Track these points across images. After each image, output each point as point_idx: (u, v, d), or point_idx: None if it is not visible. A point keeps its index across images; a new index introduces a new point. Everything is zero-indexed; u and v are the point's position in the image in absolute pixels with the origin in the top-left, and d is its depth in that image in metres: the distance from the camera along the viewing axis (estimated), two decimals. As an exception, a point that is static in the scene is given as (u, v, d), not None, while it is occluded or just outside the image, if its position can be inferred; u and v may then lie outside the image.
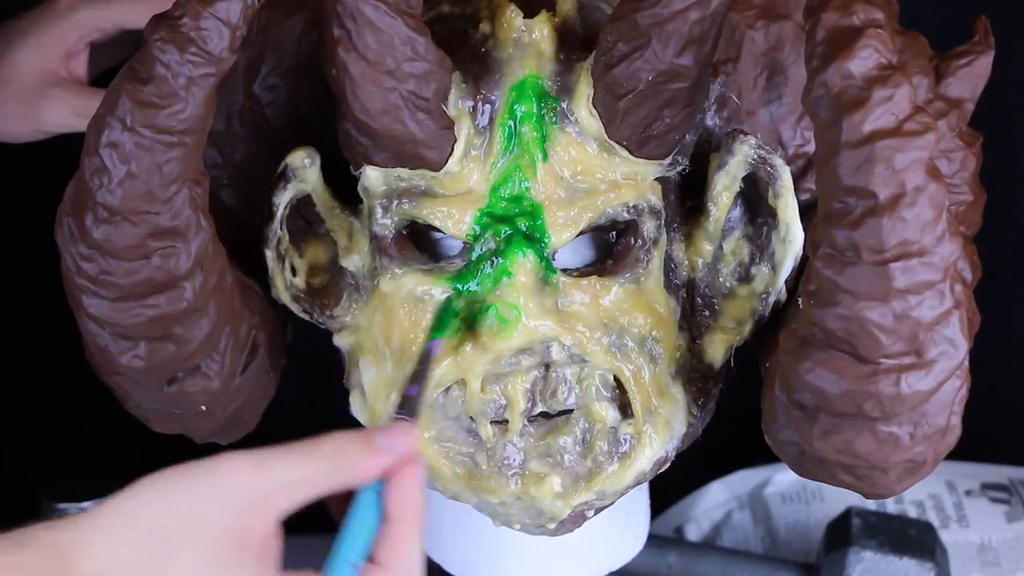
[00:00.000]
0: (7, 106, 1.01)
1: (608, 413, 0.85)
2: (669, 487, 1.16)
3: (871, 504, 1.21)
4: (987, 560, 1.18)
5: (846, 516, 1.11)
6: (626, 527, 0.97)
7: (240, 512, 0.69)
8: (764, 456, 1.21)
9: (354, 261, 0.87)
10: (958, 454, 1.00)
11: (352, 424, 0.90)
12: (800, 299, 0.79)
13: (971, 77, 0.92)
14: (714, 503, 1.27)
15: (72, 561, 0.67)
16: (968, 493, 1.24)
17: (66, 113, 1.00)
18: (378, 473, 0.71)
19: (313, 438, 0.70)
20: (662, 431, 0.86)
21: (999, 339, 1.21)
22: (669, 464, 0.88)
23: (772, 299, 0.87)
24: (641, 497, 0.98)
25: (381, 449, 0.71)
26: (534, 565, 0.94)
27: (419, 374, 0.78)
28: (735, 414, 0.93)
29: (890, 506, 1.22)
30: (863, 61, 0.73)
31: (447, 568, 0.97)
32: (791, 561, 1.14)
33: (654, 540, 1.08)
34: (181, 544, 0.68)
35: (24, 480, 1.16)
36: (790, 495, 1.26)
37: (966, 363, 0.77)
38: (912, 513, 1.22)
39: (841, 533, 1.10)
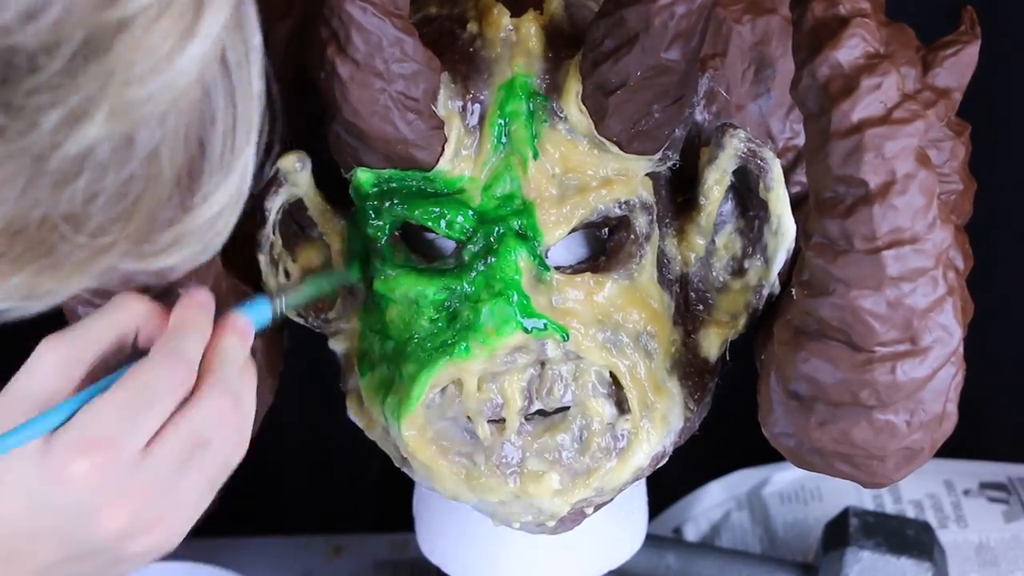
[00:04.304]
0: None
1: (605, 409, 0.86)
2: (668, 487, 1.18)
3: (869, 504, 1.23)
4: (985, 560, 1.19)
5: (844, 516, 1.12)
6: (624, 526, 0.99)
7: (46, 382, 0.74)
8: (762, 456, 1.23)
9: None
10: (956, 453, 1.02)
11: (351, 428, 0.92)
12: (794, 290, 0.81)
13: (958, 66, 0.94)
14: (712, 503, 1.28)
15: None
16: (966, 493, 1.25)
17: None
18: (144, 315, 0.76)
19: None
20: (659, 426, 0.87)
21: (998, 338, 1.23)
22: (667, 459, 0.90)
23: (766, 292, 0.89)
24: (639, 496, 1.00)
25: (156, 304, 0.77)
26: (532, 565, 0.96)
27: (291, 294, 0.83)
28: (733, 414, 0.94)
29: (888, 506, 1.24)
30: (851, 50, 0.75)
31: (445, 569, 0.99)
32: (789, 561, 1.15)
33: (652, 540, 1.10)
34: None
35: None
36: (788, 495, 1.27)
37: (961, 350, 0.79)
38: (910, 513, 1.23)
39: (839, 533, 1.11)
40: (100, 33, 0.57)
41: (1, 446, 0.71)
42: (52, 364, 0.75)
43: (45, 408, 0.73)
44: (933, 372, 0.78)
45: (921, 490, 1.25)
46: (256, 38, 0.65)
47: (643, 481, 0.97)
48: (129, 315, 0.77)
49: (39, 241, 0.62)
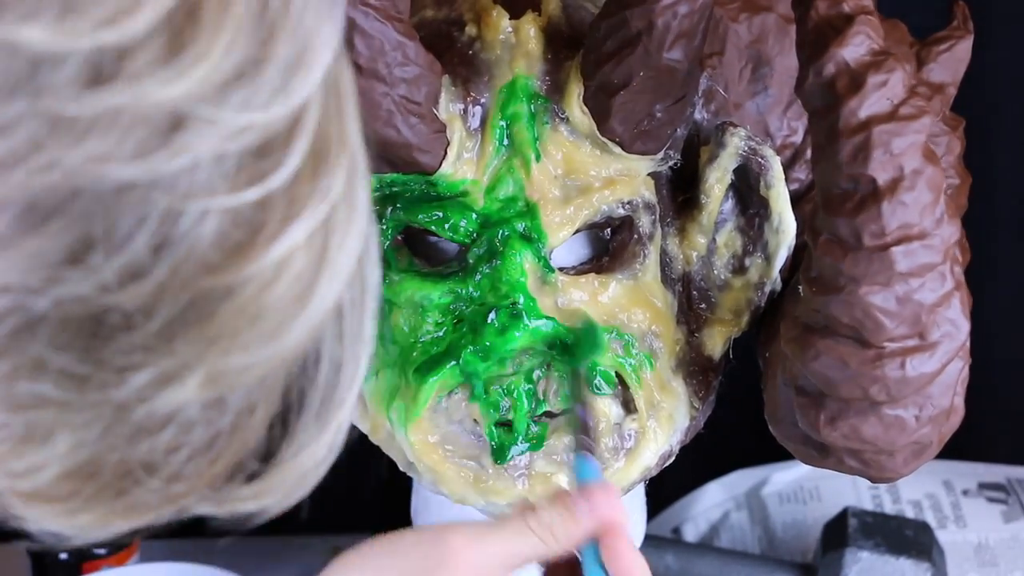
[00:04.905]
0: None
1: (611, 410, 0.87)
2: (666, 487, 1.18)
3: (868, 504, 1.23)
4: (984, 560, 1.19)
5: (843, 516, 1.12)
6: (624, 528, 1.00)
7: None
8: (762, 456, 1.24)
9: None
10: (956, 454, 1.02)
11: (351, 430, 0.91)
12: (801, 287, 0.81)
13: (952, 62, 0.95)
14: (711, 503, 1.28)
15: None
16: (965, 493, 1.25)
17: None
18: (583, 540, 0.74)
19: (521, 510, 0.73)
20: (665, 425, 0.88)
21: (997, 338, 1.24)
22: (673, 458, 0.90)
23: (768, 289, 0.89)
24: (637, 496, 1.00)
25: (583, 517, 0.73)
26: (532, 565, 0.96)
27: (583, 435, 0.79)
28: (732, 414, 0.95)
29: (887, 506, 1.24)
30: (856, 48, 0.75)
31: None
32: (788, 561, 1.16)
33: (651, 540, 1.10)
34: None
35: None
36: (787, 495, 1.27)
37: (968, 344, 0.80)
38: (909, 513, 1.23)
39: (838, 533, 1.11)
40: (205, 298, 0.51)
41: None
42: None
43: None
44: (942, 366, 0.78)
45: (920, 490, 1.25)
46: (375, 276, 0.58)
47: (641, 483, 0.97)
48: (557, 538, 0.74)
49: (113, 484, 0.57)
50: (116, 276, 0.50)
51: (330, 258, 0.53)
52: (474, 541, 0.72)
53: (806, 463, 0.85)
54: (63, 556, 1.09)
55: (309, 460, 0.59)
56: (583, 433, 0.77)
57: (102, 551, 1.09)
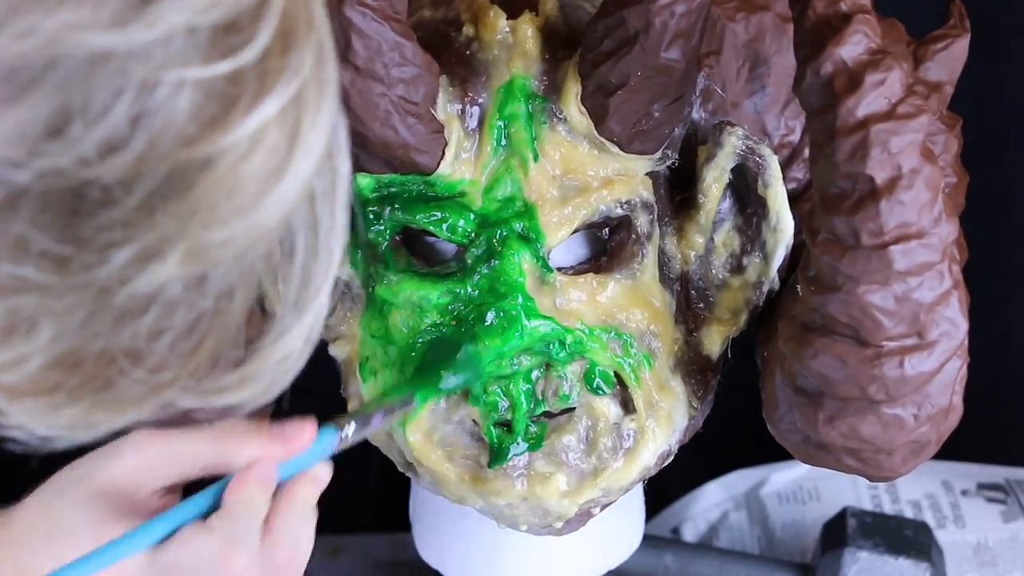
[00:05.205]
0: None
1: (610, 409, 0.87)
2: (666, 487, 1.18)
3: (867, 504, 1.23)
4: (983, 560, 1.20)
5: (842, 516, 1.12)
6: (622, 527, 1.00)
7: (127, 473, 0.74)
8: (761, 456, 1.24)
9: (346, 270, 0.90)
10: (955, 454, 1.02)
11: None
12: (799, 286, 0.81)
13: (949, 60, 0.95)
14: (711, 503, 1.28)
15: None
16: (964, 493, 1.26)
17: None
18: (250, 459, 0.75)
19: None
20: (664, 424, 0.88)
21: (996, 338, 1.24)
22: (672, 458, 0.90)
23: (766, 288, 0.90)
24: (637, 497, 1.01)
25: (263, 438, 0.75)
26: (531, 566, 0.97)
27: (383, 409, 0.81)
28: (731, 414, 0.95)
29: (886, 506, 1.24)
30: (854, 47, 0.75)
31: (444, 572, 1.00)
32: (787, 561, 1.16)
33: (651, 540, 1.11)
34: (69, 491, 0.74)
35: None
36: (786, 495, 1.27)
37: (966, 343, 0.80)
38: (908, 513, 1.24)
39: (837, 533, 1.12)
40: (183, 170, 0.53)
41: (111, 553, 0.72)
42: (144, 459, 0.74)
43: (132, 505, 0.74)
44: (940, 365, 0.79)
45: (919, 490, 1.26)
46: (345, 166, 0.61)
47: (640, 483, 0.97)
48: (232, 450, 0.75)
49: (97, 375, 0.59)
50: (95, 148, 0.52)
51: (302, 135, 0.56)
52: (150, 433, 0.75)
53: (805, 462, 0.85)
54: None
55: (288, 347, 0.61)
56: (360, 416, 0.78)
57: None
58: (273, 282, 0.60)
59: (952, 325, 0.78)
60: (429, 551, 1.00)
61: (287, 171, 0.56)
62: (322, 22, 0.58)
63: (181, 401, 0.62)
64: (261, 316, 0.61)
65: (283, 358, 0.62)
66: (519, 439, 0.86)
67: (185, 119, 0.53)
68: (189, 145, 0.53)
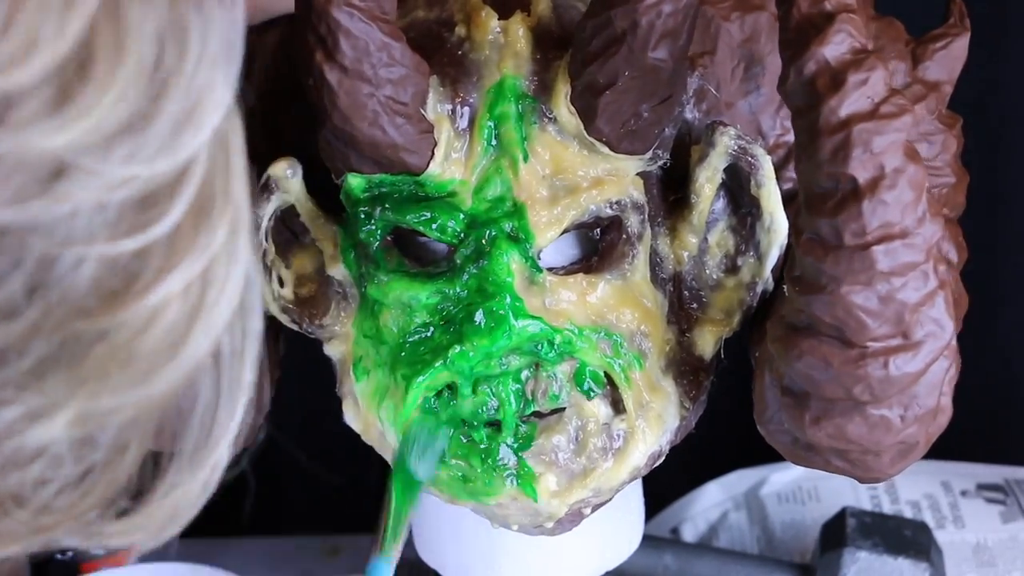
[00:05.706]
0: None
1: (600, 410, 0.87)
2: (665, 487, 1.18)
3: (866, 504, 1.23)
4: (983, 560, 1.20)
5: (841, 516, 1.12)
6: (621, 527, 1.00)
7: None
8: (760, 456, 1.24)
9: (340, 270, 0.90)
10: (954, 454, 1.02)
11: (348, 430, 0.92)
12: (785, 287, 0.81)
13: (948, 59, 0.95)
14: (710, 503, 1.28)
15: None
16: (964, 493, 1.25)
17: None
18: None
19: None
20: (655, 425, 0.88)
21: (995, 338, 1.24)
22: (663, 459, 0.90)
23: (760, 289, 0.90)
24: (636, 497, 1.01)
25: None
26: (529, 566, 0.97)
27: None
28: (730, 414, 0.95)
29: (885, 506, 1.24)
30: (837, 46, 0.75)
31: (442, 572, 1.00)
32: (787, 561, 1.16)
33: (650, 540, 1.11)
34: None
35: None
36: (786, 495, 1.27)
37: (954, 343, 0.79)
38: (907, 513, 1.24)
39: (836, 533, 1.11)
40: (77, 341, 0.53)
41: None
42: None
43: None
44: (926, 366, 0.78)
45: (918, 491, 1.26)
46: (256, 323, 0.60)
47: (639, 481, 0.98)
48: None
49: None
50: None
51: (206, 310, 0.54)
52: None
53: (794, 463, 0.85)
54: (61, 556, 1.10)
55: (181, 499, 0.60)
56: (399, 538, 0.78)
57: (100, 551, 1.10)
58: (171, 440, 0.59)
59: (938, 326, 0.78)
60: (428, 551, 1.01)
61: (186, 345, 0.55)
62: (240, 195, 0.57)
63: (66, 541, 0.60)
64: (156, 467, 0.60)
65: (176, 509, 0.61)
66: (508, 439, 0.86)
67: (83, 292, 0.52)
68: (85, 317, 0.52)
